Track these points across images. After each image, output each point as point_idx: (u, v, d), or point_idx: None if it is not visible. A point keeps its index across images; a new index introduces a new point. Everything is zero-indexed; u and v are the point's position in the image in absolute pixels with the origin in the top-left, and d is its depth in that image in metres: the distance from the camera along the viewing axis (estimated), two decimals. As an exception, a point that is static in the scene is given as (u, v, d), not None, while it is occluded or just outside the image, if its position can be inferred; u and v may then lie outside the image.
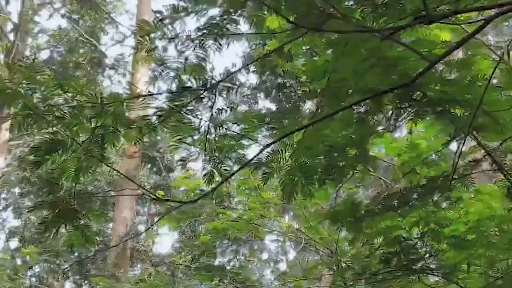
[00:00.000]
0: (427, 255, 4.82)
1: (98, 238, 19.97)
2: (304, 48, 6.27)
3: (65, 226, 3.98)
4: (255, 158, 4.04)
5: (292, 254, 22.88)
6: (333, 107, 4.94)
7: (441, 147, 5.78)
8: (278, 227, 10.87)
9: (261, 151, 3.78)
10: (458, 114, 5.15)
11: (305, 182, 4.25)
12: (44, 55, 24.03)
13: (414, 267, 4.88)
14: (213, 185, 4.20)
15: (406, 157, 7.13)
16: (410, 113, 5.30)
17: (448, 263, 5.06)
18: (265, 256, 21.49)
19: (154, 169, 22.31)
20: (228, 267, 10.93)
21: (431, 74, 5.02)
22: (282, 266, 21.68)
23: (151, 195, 5.36)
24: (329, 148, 6.01)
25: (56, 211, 3.92)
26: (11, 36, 22.65)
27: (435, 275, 4.97)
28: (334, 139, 5.16)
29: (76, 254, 17.81)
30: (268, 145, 3.80)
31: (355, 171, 6.17)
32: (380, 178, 7.40)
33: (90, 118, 3.98)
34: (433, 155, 6.80)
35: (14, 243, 21.65)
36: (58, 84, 3.93)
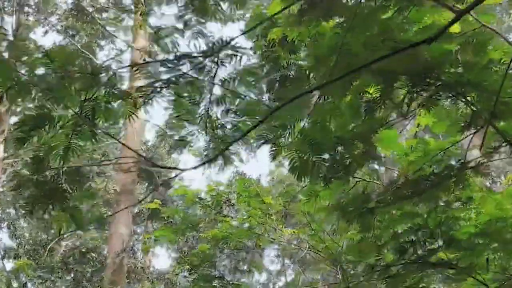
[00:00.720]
0: (443, 246, 4.46)
1: (93, 255, 19.56)
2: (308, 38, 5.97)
3: (53, 207, 3.62)
4: (263, 134, 3.69)
5: (290, 276, 22.44)
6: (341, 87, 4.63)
7: (456, 135, 5.46)
8: (280, 236, 10.47)
9: (265, 118, 3.42)
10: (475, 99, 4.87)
11: (315, 159, 3.90)
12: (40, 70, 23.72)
13: (430, 260, 4.52)
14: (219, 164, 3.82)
15: (413, 157, 6.80)
16: (424, 97, 5.00)
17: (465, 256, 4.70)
18: (263, 277, 21.00)
19: (151, 186, 21.90)
20: (228, 278, 10.50)
21: (445, 54, 4.74)
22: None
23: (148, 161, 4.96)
24: (337, 139, 5.70)
25: (43, 191, 3.56)
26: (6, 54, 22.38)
27: (452, 268, 4.60)
28: (342, 122, 4.85)
29: (71, 267, 17.32)
30: (274, 110, 3.43)
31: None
32: (390, 169, 7.05)
33: (80, 90, 3.64)
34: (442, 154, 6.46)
35: (9, 265, 21.22)
36: (44, 53, 3.60)
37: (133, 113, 3.73)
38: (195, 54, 3.50)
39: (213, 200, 10.65)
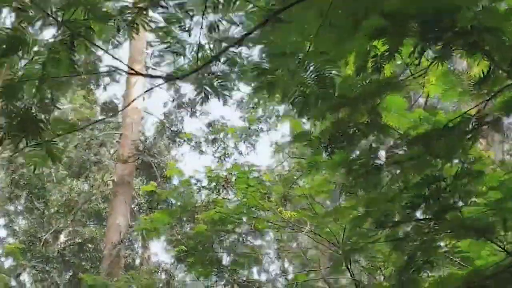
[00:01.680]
0: (461, 203, 4.07)
1: (90, 246, 19.11)
2: None
3: (27, 141, 3.24)
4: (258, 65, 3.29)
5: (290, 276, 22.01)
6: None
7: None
8: (279, 220, 10.07)
9: (269, 19, 3.01)
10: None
11: (319, 93, 3.51)
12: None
13: (446, 217, 4.12)
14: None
15: (422, 130, 6.40)
16: (437, 45, 4.60)
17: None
18: (263, 277, 20.56)
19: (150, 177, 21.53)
20: (225, 263, 10.12)
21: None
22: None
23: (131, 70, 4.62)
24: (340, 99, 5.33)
25: (15, 122, 3.18)
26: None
27: (467, 228, 4.22)
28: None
29: (67, 259, 16.95)
30: (279, 11, 3.00)
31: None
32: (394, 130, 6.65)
33: (57, 10, 3.26)
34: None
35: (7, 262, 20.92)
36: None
37: (115, 39, 3.34)
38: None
39: (211, 181, 10.30)
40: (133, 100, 17.91)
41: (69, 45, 3.30)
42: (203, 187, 10.35)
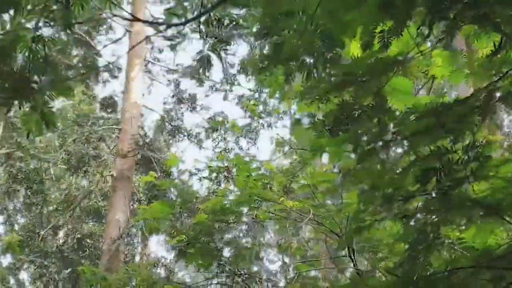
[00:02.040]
0: (471, 176, 3.90)
1: (89, 241, 18.95)
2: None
3: (20, 105, 3.06)
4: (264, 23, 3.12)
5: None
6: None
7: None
8: (281, 210, 9.89)
9: None
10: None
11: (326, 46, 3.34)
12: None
13: (456, 192, 3.95)
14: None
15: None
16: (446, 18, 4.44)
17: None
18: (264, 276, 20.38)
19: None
20: (227, 254, 9.93)
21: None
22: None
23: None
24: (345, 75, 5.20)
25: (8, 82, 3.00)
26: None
27: (477, 203, 4.04)
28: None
29: (65, 255, 16.76)
30: None
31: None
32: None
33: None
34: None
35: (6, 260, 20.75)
36: None
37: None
38: None
39: (211, 172, 10.13)
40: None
41: (64, 3, 3.13)
42: (204, 177, 10.17)
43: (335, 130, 5.40)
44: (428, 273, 4.13)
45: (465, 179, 3.84)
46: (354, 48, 5.65)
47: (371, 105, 5.20)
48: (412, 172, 3.93)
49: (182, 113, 22.71)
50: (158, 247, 28.50)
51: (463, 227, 4.70)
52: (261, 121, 20.39)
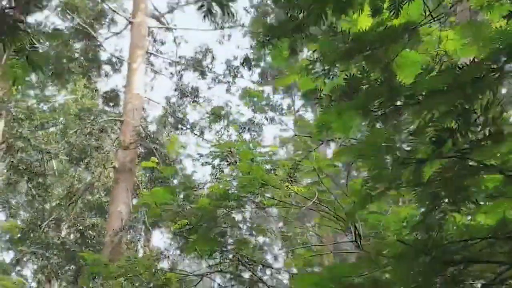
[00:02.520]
0: (489, 137, 3.65)
1: (91, 233, 18.73)
2: None
3: (4, 48, 2.82)
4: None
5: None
6: None
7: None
8: (285, 196, 9.65)
9: None
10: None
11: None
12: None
13: (472, 156, 3.71)
14: None
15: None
16: None
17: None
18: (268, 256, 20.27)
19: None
20: (230, 240, 9.71)
21: None
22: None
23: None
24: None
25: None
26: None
27: (494, 168, 3.80)
28: None
29: (67, 247, 16.55)
30: None
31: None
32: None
33: None
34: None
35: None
36: None
37: None
38: None
39: (214, 158, 9.90)
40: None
41: None
42: (206, 162, 9.94)
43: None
44: (443, 243, 3.90)
45: (483, 140, 3.60)
46: (362, 22, 5.41)
47: (379, 80, 4.98)
48: (427, 133, 3.69)
49: (186, 105, 22.52)
50: (161, 242, 28.31)
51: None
52: (264, 115, 20.20)
